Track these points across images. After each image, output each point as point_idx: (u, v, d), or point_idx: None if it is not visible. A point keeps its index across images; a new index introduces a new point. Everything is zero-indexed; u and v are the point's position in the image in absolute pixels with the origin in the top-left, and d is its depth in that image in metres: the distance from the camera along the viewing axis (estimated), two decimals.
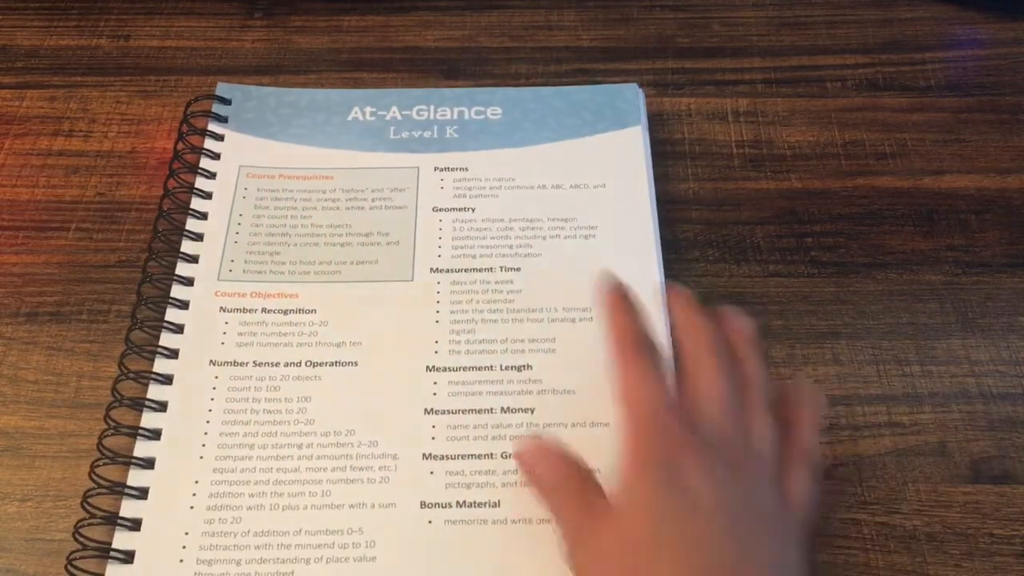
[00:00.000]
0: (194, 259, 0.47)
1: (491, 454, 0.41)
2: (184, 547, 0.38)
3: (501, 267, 0.47)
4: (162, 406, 0.42)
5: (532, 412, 0.42)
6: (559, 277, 0.46)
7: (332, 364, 0.43)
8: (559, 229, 0.48)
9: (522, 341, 0.44)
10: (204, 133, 0.52)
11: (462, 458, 0.41)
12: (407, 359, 0.43)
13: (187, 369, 0.43)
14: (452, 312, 0.45)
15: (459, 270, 0.47)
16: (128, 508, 0.39)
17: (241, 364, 0.43)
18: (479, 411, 0.42)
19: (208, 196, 0.49)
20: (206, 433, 0.41)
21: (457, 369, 0.43)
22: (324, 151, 0.51)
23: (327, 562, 0.38)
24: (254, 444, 0.41)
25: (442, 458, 0.41)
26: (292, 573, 0.38)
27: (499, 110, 0.53)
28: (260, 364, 0.43)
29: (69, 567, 0.37)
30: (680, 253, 0.48)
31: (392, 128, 0.52)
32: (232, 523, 0.39)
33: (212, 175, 0.50)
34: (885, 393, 0.44)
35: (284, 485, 0.40)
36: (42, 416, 0.43)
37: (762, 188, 0.51)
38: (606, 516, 0.33)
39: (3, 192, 0.51)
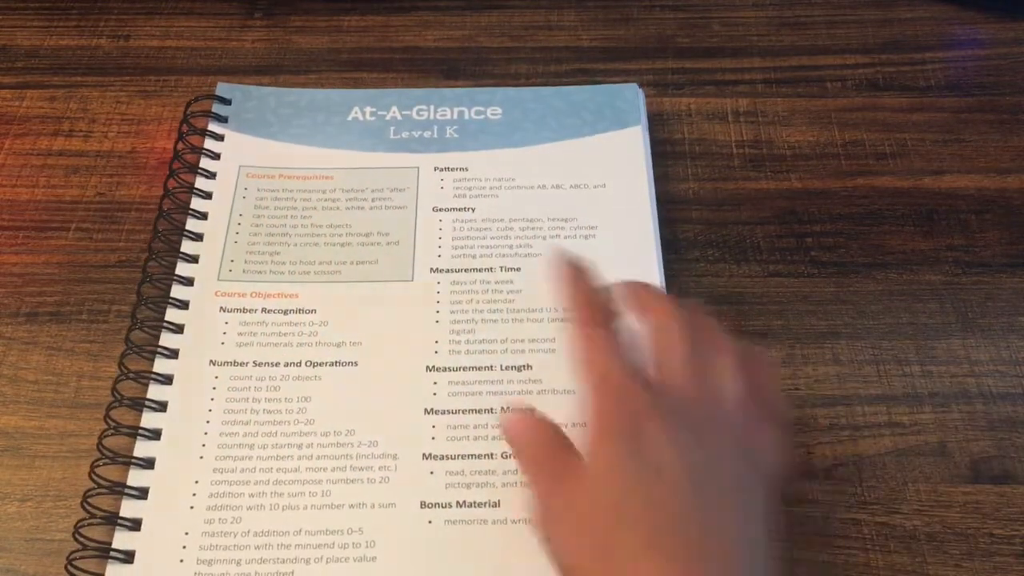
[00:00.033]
0: (194, 259, 0.47)
1: (491, 454, 0.41)
2: (184, 547, 0.38)
3: (501, 267, 0.47)
4: (162, 406, 0.42)
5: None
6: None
7: (332, 364, 0.43)
8: (559, 229, 0.48)
9: (522, 341, 0.44)
10: (204, 133, 0.52)
11: (462, 458, 0.41)
12: (407, 359, 0.43)
13: (187, 369, 0.43)
14: (452, 312, 0.45)
15: (459, 270, 0.47)
16: (128, 508, 0.39)
17: (241, 364, 0.43)
18: (479, 411, 0.42)
19: (208, 196, 0.49)
20: (206, 433, 0.41)
21: (457, 369, 0.43)
22: (324, 151, 0.51)
23: (327, 562, 0.38)
24: (254, 444, 0.41)
25: (442, 458, 0.41)
26: (292, 573, 0.38)
27: (499, 110, 0.53)
28: (260, 364, 0.43)
29: (69, 567, 0.37)
30: (680, 253, 0.48)
31: (392, 128, 0.52)
32: (232, 523, 0.39)
33: (212, 175, 0.50)
34: (885, 393, 0.44)
35: (284, 485, 0.40)
36: (42, 416, 0.43)
37: (762, 188, 0.51)
38: (577, 480, 0.32)
39: (3, 192, 0.51)
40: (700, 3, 0.61)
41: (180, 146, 0.51)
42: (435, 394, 0.42)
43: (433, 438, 0.41)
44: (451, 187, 0.50)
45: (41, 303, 0.47)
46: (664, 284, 0.46)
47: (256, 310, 0.45)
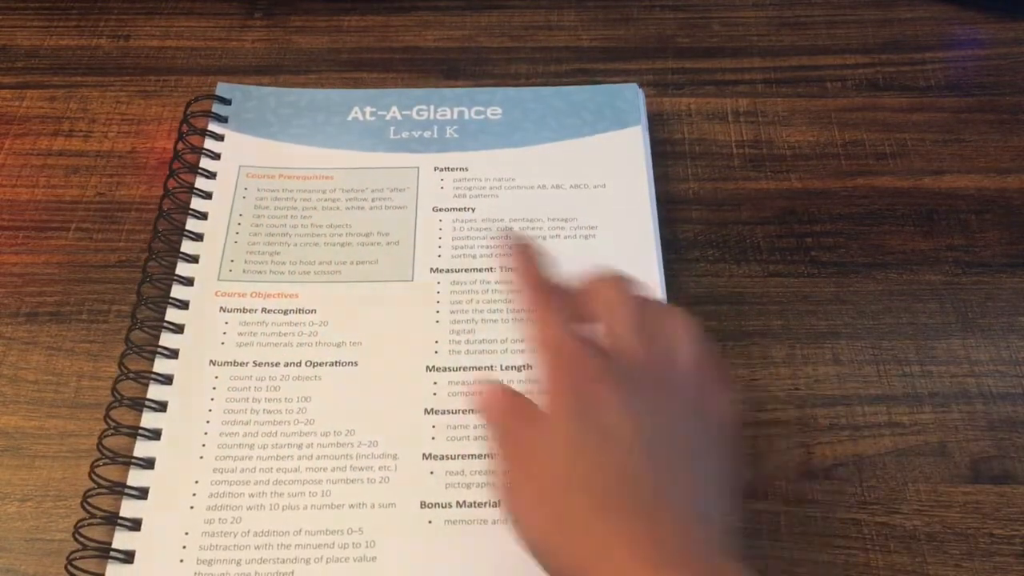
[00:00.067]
0: (194, 259, 0.47)
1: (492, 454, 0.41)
2: (184, 547, 0.38)
3: (501, 267, 0.47)
4: (162, 406, 0.42)
5: None
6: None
7: (332, 364, 0.43)
8: (559, 229, 0.48)
9: (522, 341, 0.44)
10: (204, 133, 0.52)
11: (462, 458, 0.41)
12: (407, 359, 0.43)
13: (187, 369, 0.43)
14: (452, 312, 0.45)
15: (459, 270, 0.47)
16: (128, 508, 0.39)
17: (241, 364, 0.43)
18: None
19: (208, 196, 0.49)
20: (206, 433, 0.41)
21: (457, 369, 0.43)
22: (324, 151, 0.51)
23: (327, 562, 0.38)
24: (254, 444, 0.41)
25: (442, 458, 0.41)
26: (292, 573, 0.37)
27: (499, 110, 0.53)
28: (260, 364, 0.43)
29: (69, 567, 0.37)
30: (680, 253, 0.48)
31: (392, 128, 0.52)
32: (232, 523, 0.39)
33: (212, 175, 0.50)
34: (885, 393, 0.44)
35: (284, 485, 0.40)
36: (42, 416, 0.43)
37: (762, 188, 0.51)
38: (534, 450, 0.33)
39: (3, 192, 0.51)
40: (700, 3, 0.61)
41: (180, 146, 0.51)
42: (435, 394, 0.42)
43: (433, 438, 0.41)
44: (451, 187, 0.50)
45: (41, 303, 0.47)
46: (664, 284, 0.46)
47: (256, 310, 0.45)
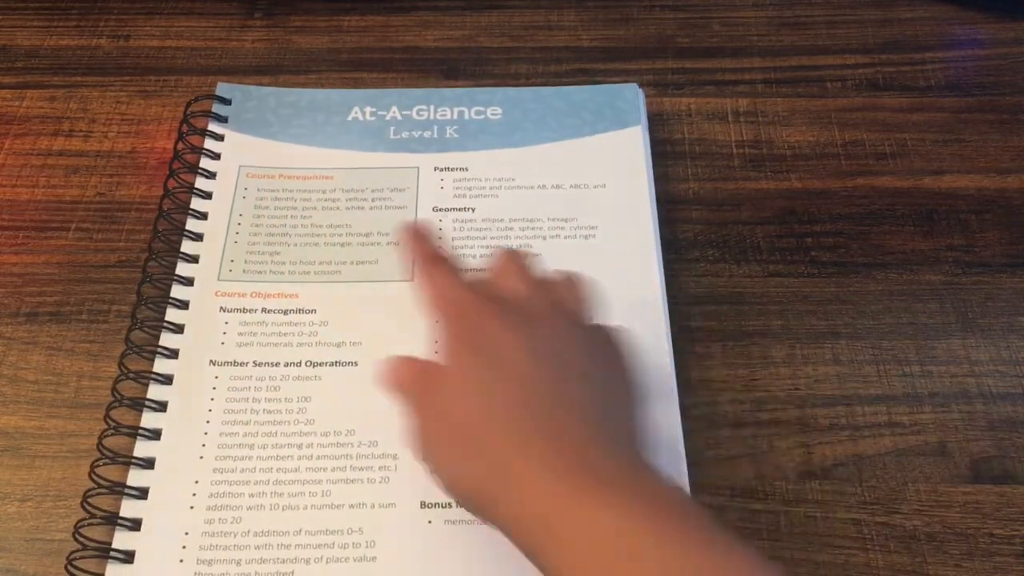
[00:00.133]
0: (194, 259, 0.47)
1: None
2: (184, 547, 0.38)
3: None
4: (162, 406, 0.42)
5: None
6: None
7: (332, 364, 0.43)
8: (559, 229, 0.48)
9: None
10: (204, 133, 0.52)
11: None
12: None
13: (187, 369, 0.43)
14: None
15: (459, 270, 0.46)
16: (128, 508, 0.39)
17: (241, 364, 0.43)
18: None
19: (208, 196, 0.49)
20: (206, 433, 0.41)
21: None
22: (324, 151, 0.51)
23: (327, 562, 0.38)
24: (254, 444, 0.41)
25: None
26: (292, 573, 0.37)
27: (499, 110, 0.53)
28: (260, 364, 0.43)
29: (69, 567, 0.37)
30: (680, 253, 0.48)
31: (392, 128, 0.52)
32: (232, 523, 0.39)
33: (212, 175, 0.50)
34: (885, 393, 0.44)
35: (284, 485, 0.40)
36: (42, 416, 0.43)
37: (762, 188, 0.51)
38: (443, 399, 0.34)
39: (3, 192, 0.51)
40: (700, 3, 0.61)
41: (180, 146, 0.51)
42: None
43: None
44: (451, 187, 0.50)
45: (41, 303, 0.47)
46: (664, 284, 0.46)
47: (256, 310, 0.45)
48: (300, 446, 0.41)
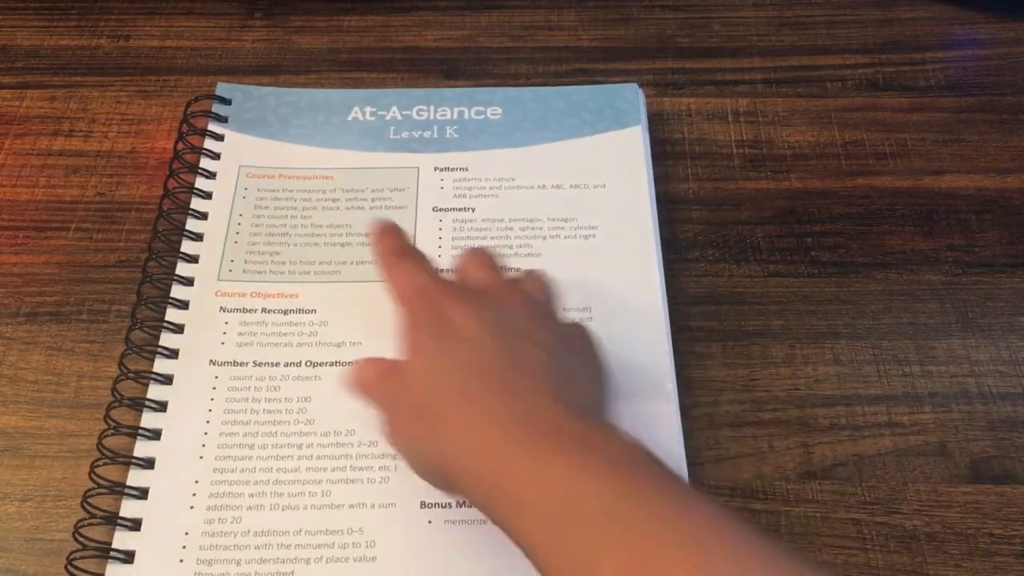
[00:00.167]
0: (194, 259, 0.47)
1: None
2: (184, 547, 0.38)
3: (501, 267, 0.46)
4: (162, 406, 0.42)
5: None
6: (559, 277, 0.46)
7: (332, 364, 0.43)
8: (559, 229, 0.48)
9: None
10: (204, 133, 0.52)
11: None
12: None
13: (187, 369, 0.43)
14: None
15: None
16: (128, 508, 0.39)
17: (241, 364, 0.43)
18: None
19: (208, 196, 0.49)
20: (206, 433, 0.41)
21: None
22: (324, 151, 0.51)
23: (327, 562, 0.38)
24: (254, 444, 0.41)
25: None
26: (292, 573, 0.37)
27: (499, 110, 0.53)
28: (260, 364, 0.43)
29: (69, 567, 0.37)
30: (680, 253, 0.48)
31: (392, 128, 0.52)
32: (232, 523, 0.39)
33: (212, 175, 0.50)
34: (885, 393, 0.44)
35: (284, 485, 0.40)
36: (42, 416, 0.43)
37: (762, 188, 0.51)
38: (406, 385, 0.36)
39: (3, 192, 0.51)
40: (700, 3, 0.61)
41: (180, 146, 0.51)
42: None
43: None
44: (451, 187, 0.50)
45: (41, 303, 0.47)
46: (664, 284, 0.46)
47: (256, 310, 0.45)
48: (300, 446, 0.41)
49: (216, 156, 0.51)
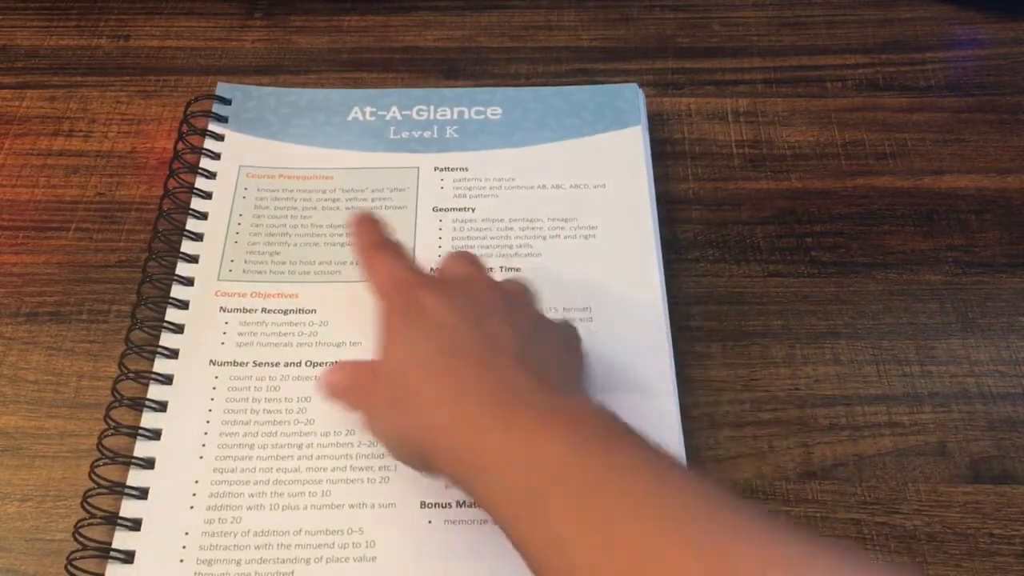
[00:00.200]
0: (194, 259, 0.47)
1: None
2: (184, 547, 0.38)
3: (501, 267, 0.47)
4: (162, 406, 0.42)
5: None
6: (559, 277, 0.46)
7: (332, 364, 0.43)
8: (559, 229, 0.48)
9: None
10: (204, 133, 0.52)
11: None
12: None
13: (187, 369, 0.43)
14: None
15: None
16: (128, 508, 0.39)
17: (241, 364, 0.43)
18: None
19: (208, 196, 0.49)
20: (206, 433, 0.41)
21: None
22: (324, 151, 0.51)
23: (327, 562, 0.38)
24: (254, 444, 0.41)
25: None
26: (292, 573, 0.37)
27: (499, 110, 0.53)
28: (260, 364, 0.43)
29: (69, 567, 0.37)
30: (680, 253, 0.48)
31: (392, 128, 0.52)
32: (232, 523, 0.39)
33: (212, 175, 0.50)
34: (885, 393, 0.44)
35: (284, 485, 0.40)
36: (42, 416, 0.43)
37: (762, 188, 0.51)
38: (377, 378, 0.37)
39: (3, 192, 0.51)
40: (700, 3, 0.61)
41: (180, 146, 0.51)
42: None
43: None
44: (451, 187, 0.50)
45: (41, 303, 0.47)
46: (664, 284, 0.46)
47: (256, 310, 0.45)
48: (300, 446, 0.41)
49: (216, 156, 0.51)
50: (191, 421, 0.41)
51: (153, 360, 0.43)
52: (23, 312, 0.46)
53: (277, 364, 0.43)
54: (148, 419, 0.41)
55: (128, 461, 0.40)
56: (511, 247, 0.47)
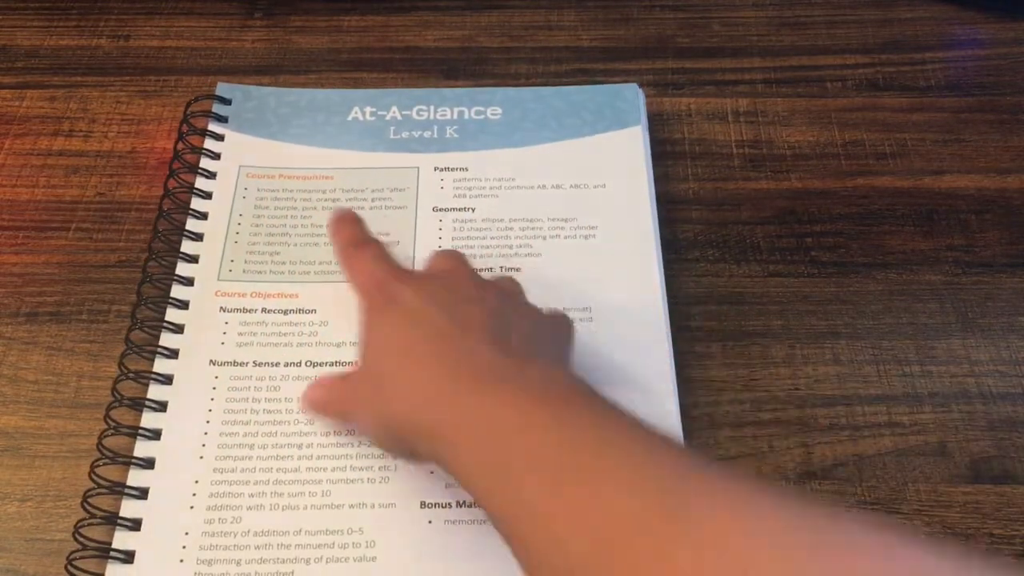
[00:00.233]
0: (194, 259, 0.47)
1: None
2: (184, 547, 0.38)
3: (501, 267, 0.47)
4: (162, 406, 0.42)
5: None
6: (559, 277, 0.46)
7: (332, 364, 0.43)
8: (559, 229, 0.48)
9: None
10: (204, 133, 0.52)
11: None
12: None
13: (187, 369, 0.43)
14: None
15: None
16: (128, 508, 0.39)
17: (241, 364, 0.43)
18: None
19: (208, 196, 0.49)
20: (206, 433, 0.41)
21: None
22: (324, 151, 0.51)
23: (327, 562, 0.38)
24: (254, 444, 0.41)
25: None
26: (292, 573, 0.38)
27: (499, 110, 0.53)
28: (260, 364, 0.43)
29: (69, 567, 0.37)
30: (680, 253, 0.48)
31: (392, 128, 0.52)
32: (232, 523, 0.39)
33: (212, 175, 0.50)
34: (885, 393, 0.44)
35: (284, 485, 0.40)
36: (42, 416, 0.43)
37: (762, 188, 0.51)
38: (353, 380, 0.38)
39: (3, 192, 0.51)
40: (700, 3, 0.61)
41: (180, 146, 0.51)
42: None
43: None
44: (451, 187, 0.50)
45: (41, 303, 0.47)
46: (664, 284, 0.46)
47: (256, 310, 0.45)
48: (300, 446, 0.41)
49: (216, 156, 0.51)
50: (191, 421, 0.41)
51: (153, 360, 0.43)
52: (23, 312, 0.46)
53: (277, 364, 0.43)
54: (148, 419, 0.41)
55: (128, 461, 0.40)
56: (511, 247, 0.47)
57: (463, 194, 0.49)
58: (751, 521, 0.25)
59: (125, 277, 0.47)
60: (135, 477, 0.40)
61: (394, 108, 0.53)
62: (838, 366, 0.45)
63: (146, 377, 0.42)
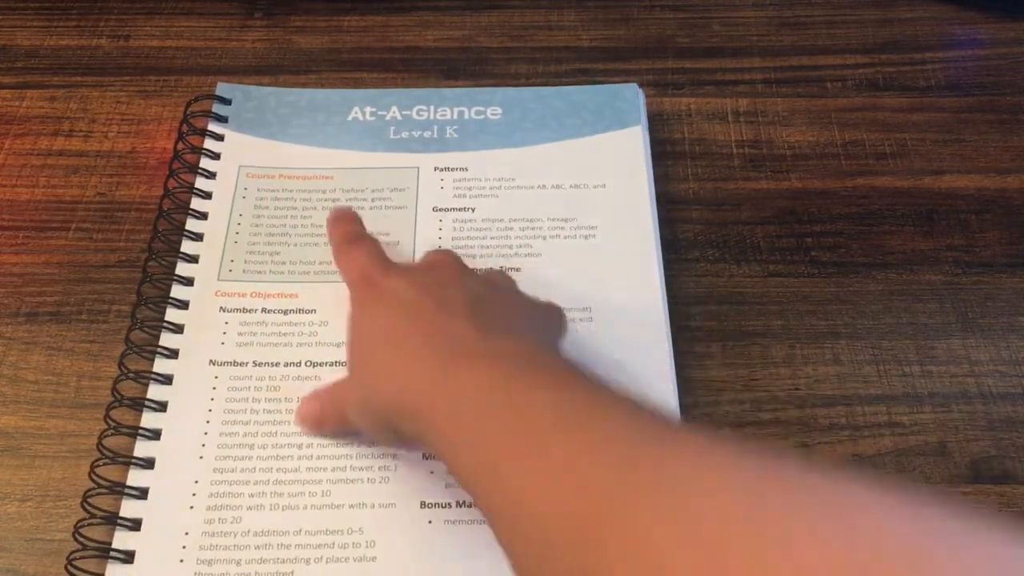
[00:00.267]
0: (194, 259, 0.47)
1: None
2: (184, 547, 0.38)
3: (501, 267, 0.47)
4: (162, 406, 0.42)
5: None
6: (559, 277, 0.46)
7: (332, 364, 0.43)
8: (559, 229, 0.48)
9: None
10: (204, 133, 0.52)
11: None
12: None
13: (187, 369, 0.43)
14: None
15: None
16: (128, 508, 0.39)
17: (241, 364, 0.43)
18: None
19: (208, 196, 0.49)
20: (206, 433, 0.41)
21: None
22: (324, 151, 0.51)
23: (327, 562, 0.38)
24: (254, 444, 0.41)
25: None
26: (292, 573, 0.37)
27: (499, 110, 0.53)
28: (260, 364, 0.43)
29: (69, 567, 0.37)
30: (680, 253, 0.48)
31: (392, 128, 0.52)
32: (232, 523, 0.39)
33: (212, 175, 0.50)
34: (885, 393, 0.44)
35: (284, 485, 0.40)
36: (42, 416, 0.43)
37: (762, 188, 0.51)
38: (339, 387, 0.39)
39: (3, 192, 0.51)
40: (700, 3, 0.61)
41: (180, 146, 0.51)
42: None
43: None
44: (451, 187, 0.50)
45: (41, 303, 0.47)
46: (664, 284, 0.46)
47: (256, 310, 0.45)
48: (300, 446, 0.41)
49: (216, 156, 0.51)
50: (191, 421, 0.41)
51: (153, 360, 0.43)
52: (23, 312, 0.46)
53: (277, 364, 0.43)
54: (148, 419, 0.41)
55: (128, 461, 0.40)
56: (511, 247, 0.47)
57: (463, 194, 0.49)
58: (729, 493, 0.24)
59: (125, 277, 0.47)
60: (135, 477, 0.40)
61: (394, 108, 0.53)
62: (838, 366, 0.45)
63: (146, 377, 0.42)
